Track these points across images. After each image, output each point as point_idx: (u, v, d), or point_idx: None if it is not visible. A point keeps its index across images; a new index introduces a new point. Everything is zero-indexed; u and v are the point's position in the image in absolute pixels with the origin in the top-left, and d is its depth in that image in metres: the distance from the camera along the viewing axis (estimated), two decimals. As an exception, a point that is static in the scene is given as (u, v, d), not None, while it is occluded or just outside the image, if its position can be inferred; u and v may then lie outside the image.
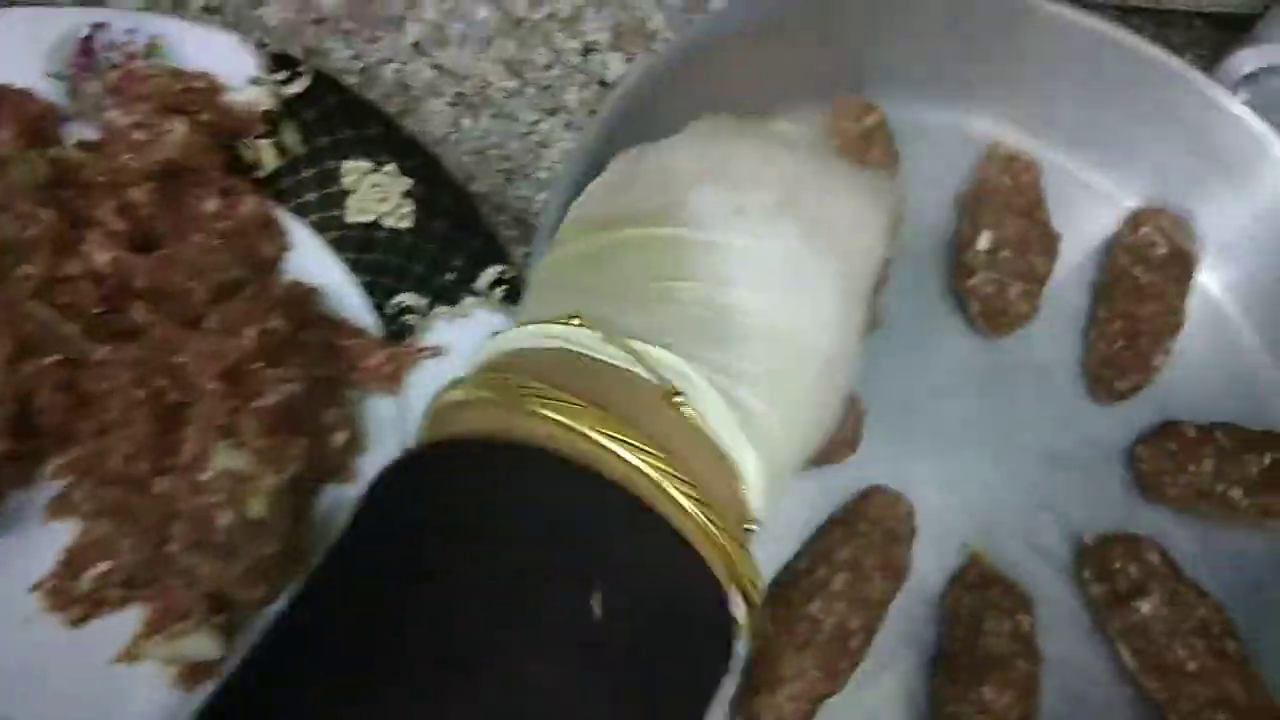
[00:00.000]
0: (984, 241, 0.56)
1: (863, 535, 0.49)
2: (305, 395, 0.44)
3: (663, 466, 0.25)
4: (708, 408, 0.27)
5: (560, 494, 0.25)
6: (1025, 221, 0.57)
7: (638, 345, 0.27)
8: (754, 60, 0.57)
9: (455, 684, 0.21)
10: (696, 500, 0.26)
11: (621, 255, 0.30)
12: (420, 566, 0.23)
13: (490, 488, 0.25)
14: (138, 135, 0.47)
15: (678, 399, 0.26)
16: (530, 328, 0.29)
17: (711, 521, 0.26)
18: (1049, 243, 0.58)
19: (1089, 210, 0.61)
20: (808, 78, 0.59)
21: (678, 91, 0.53)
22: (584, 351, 0.28)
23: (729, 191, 0.30)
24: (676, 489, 0.25)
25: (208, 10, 0.59)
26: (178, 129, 0.47)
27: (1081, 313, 0.58)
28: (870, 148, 0.56)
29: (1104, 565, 0.50)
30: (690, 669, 0.26)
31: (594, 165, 0.48)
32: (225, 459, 0.41)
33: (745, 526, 0.29)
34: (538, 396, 0.25)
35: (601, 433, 0.25)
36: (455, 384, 0.29)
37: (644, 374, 0.27)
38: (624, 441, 0.25)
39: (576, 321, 0.28)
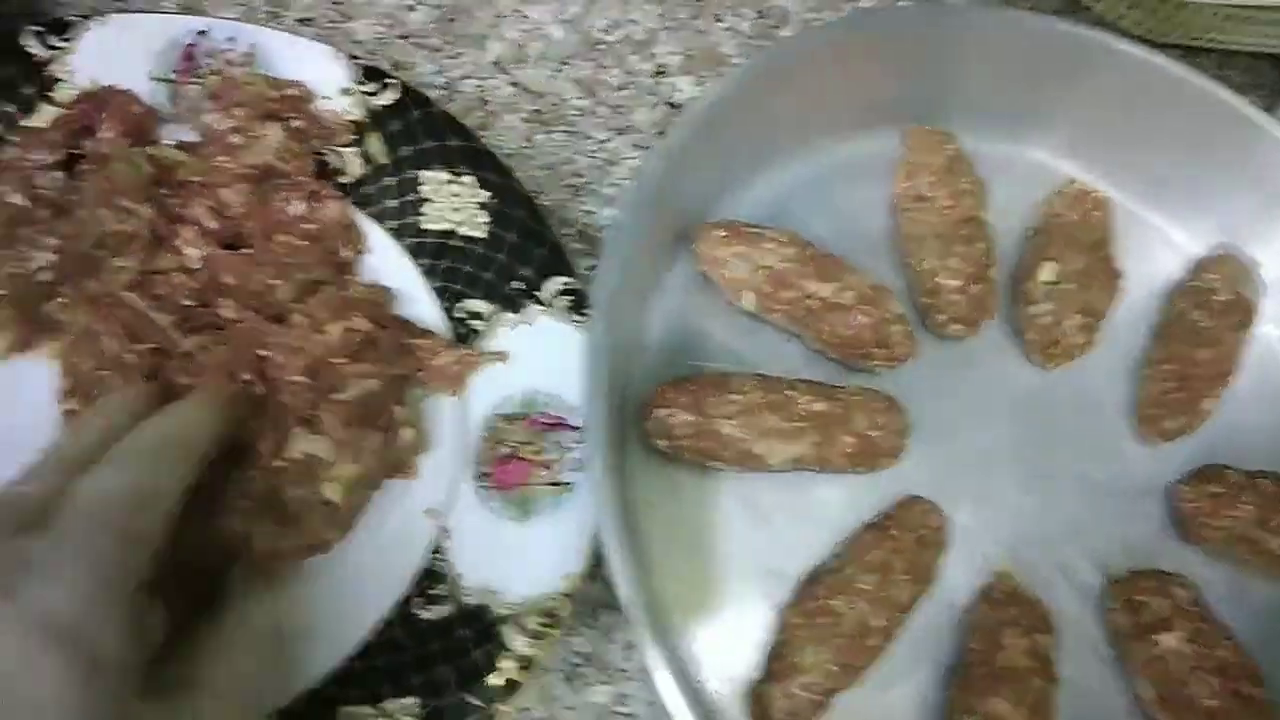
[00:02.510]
0: (1046, 273, 0.57)
1: (894, 539, 0.51)
2: (380, 392, 0.46)
3: None
4: None
5: None
6: (1089, 257, 0.58)
7: None
8: (822, 86, 0.59)
9: None
10: None
11: None
12: None
13: None
14: (234, 139, 0.50)
15: None
16: None
17: None
18: (1111, 280, 0.59)
19: (1155, 251, 0.62)
20: (877, 105, 0.61)
21: (746, 115, 0.55)
22: None
23: None
24: None
25: (301, 22, 0.62)
26: (272, 134, 0.50)
27: (1137, 351, 0.59)
28: (957, 178, 0.57)
29: (1130, 597, 0.51)
30: None
31: (662, 186, 0.50)
32: (305, 444, 0.44)
33: None
34: None
35: None
36: None
37: None
38: None
39: None
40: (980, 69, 0.61)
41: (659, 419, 0.50)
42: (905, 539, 0.50)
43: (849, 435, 0.51)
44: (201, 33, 0.55)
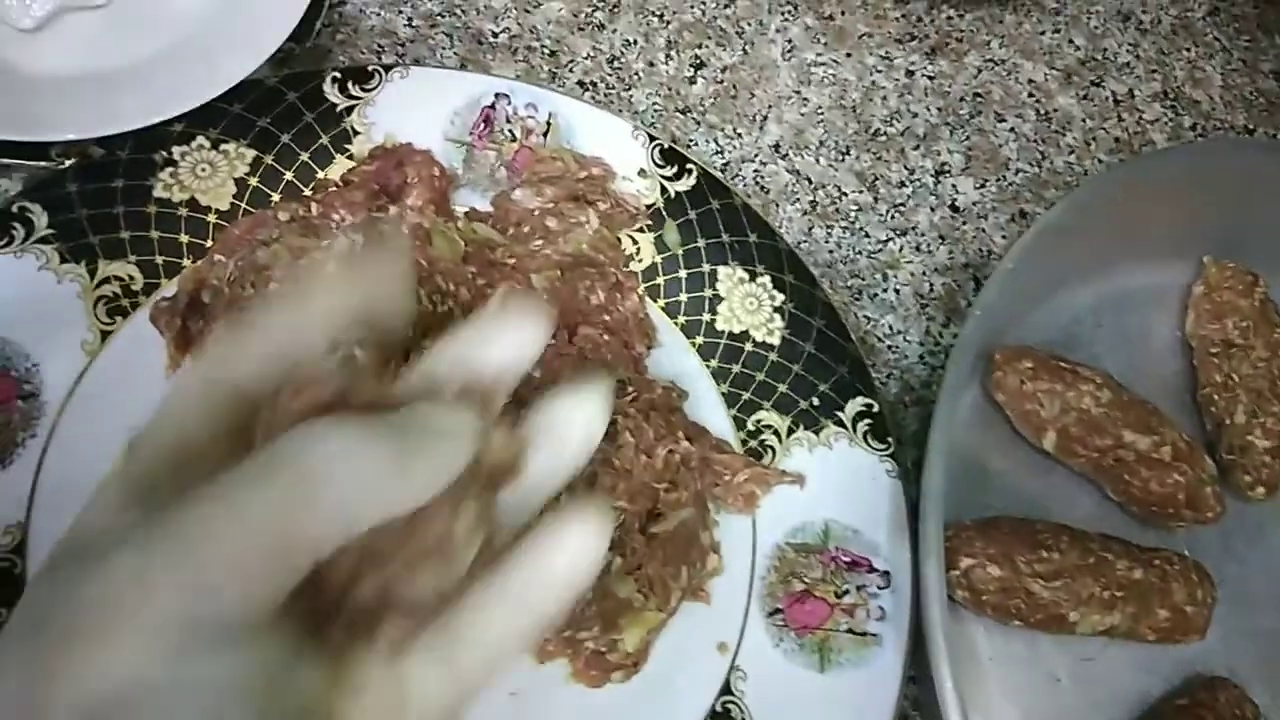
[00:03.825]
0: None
1: None
2: (692, 520, 0.43)
3: None
4: None
5: None
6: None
7: None
8: (1130, 215, 0.55)
9: None
10: None
11: None
12: None
13: None
14: (551, 222, 0.47)
15: None
16: None
17: None
18: None
19: None
20: (1174, 235, 0.57)
21: (1057, 243, 0.52)
22: None
23: None
24: None
25: (580, 85, 0.59)
26: (591, 220, 0.47)
27: None
28: (1272, 327, 0.53)
29: None
30: None
31: (987, 322, 0.46)
32: (617, 584, 0.41)
33: None
34: None
35: None
36: None
37: None
38: None
39: None
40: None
41: (965, 570, 0.46)
42: (1222, 732, 0.46)
43: (1164, 609, 0.47)
44: (502, 95, 0.52)
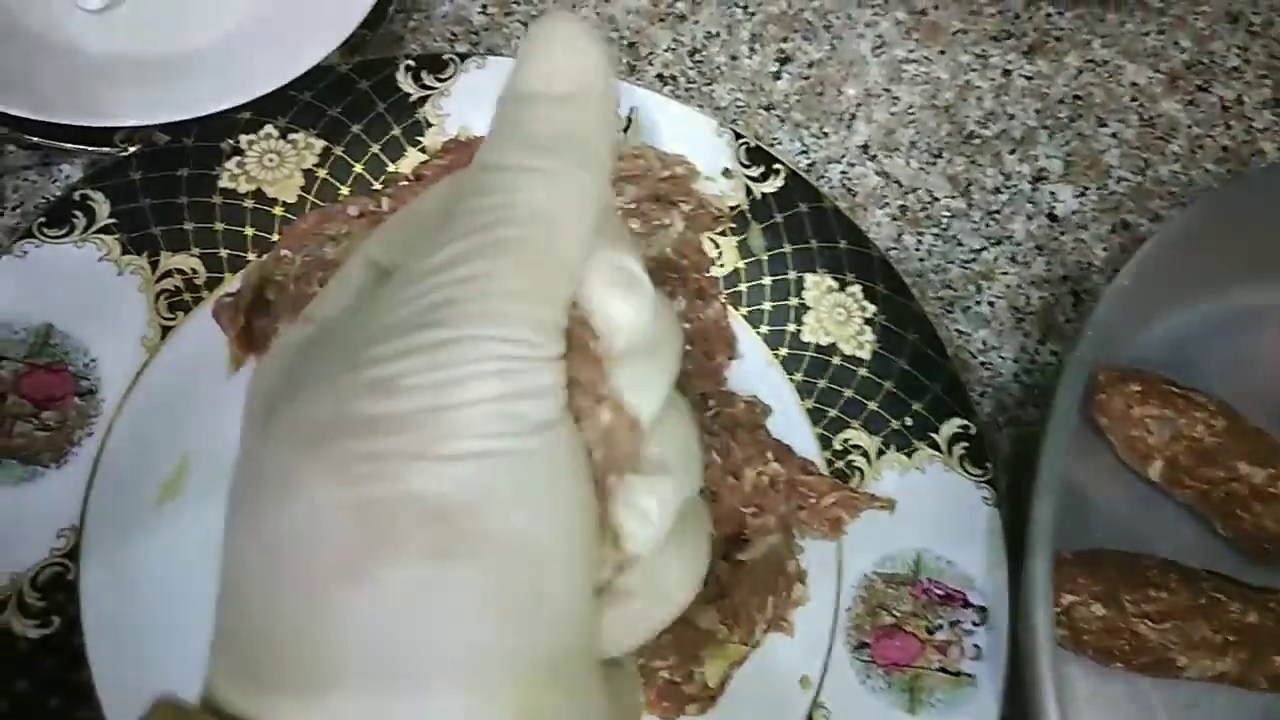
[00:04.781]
0: None
1: None
2: (779, 546, 0.40)
3: None
4: None
5: None
6: None
7: None
8: (1238, 236, 0.52)
9: None
10: None
11: None
12: None
13: None
14: (634, 224, 0.45)
15: None
16: None
17: None
18: None
19: None
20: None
21: (1169, 258, 0.48)
22: None
23: None
24: None
25: (660, 79, 0.57)
26: (676, 223, 0.44)
27: None
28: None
29: None
30: None
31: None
32: (700, 615, 0.38)
33: None
34: None
35: None
36: None
37: None
38: None
39: None
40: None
41: (1067, 608, 0.43)
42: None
43: (1280, 656, 0.44)
44: (580, 88, 0.49)
